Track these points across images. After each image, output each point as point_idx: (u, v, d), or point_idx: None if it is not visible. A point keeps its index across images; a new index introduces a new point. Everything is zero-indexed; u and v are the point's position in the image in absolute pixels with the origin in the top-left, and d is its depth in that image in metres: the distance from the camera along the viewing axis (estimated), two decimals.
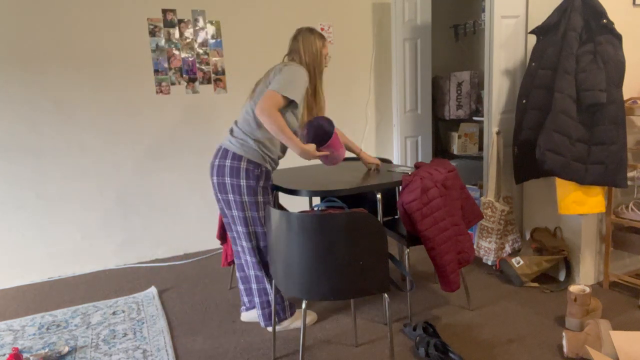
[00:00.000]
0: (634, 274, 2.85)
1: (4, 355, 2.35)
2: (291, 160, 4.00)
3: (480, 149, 4.28)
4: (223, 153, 2.28)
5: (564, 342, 2.11)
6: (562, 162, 2.45)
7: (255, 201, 2.27)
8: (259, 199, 2.28)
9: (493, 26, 2.86)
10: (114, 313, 2.76)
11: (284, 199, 3.97)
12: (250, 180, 2.24)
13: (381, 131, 4.34)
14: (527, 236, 3.09)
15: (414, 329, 2.31)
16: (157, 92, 3.51)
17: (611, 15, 2.48)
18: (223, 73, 3.68)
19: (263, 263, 2.38)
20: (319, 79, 2.38)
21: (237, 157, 2.24)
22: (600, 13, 2.40)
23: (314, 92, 2.38)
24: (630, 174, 2.68)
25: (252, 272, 2.40)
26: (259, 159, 2.26)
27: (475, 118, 4.08)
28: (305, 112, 2.39)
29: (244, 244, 2.35)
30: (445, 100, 4.16)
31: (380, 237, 1.83)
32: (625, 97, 2.67)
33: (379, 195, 2.38)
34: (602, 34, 2.41)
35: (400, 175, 2.43)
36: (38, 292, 3.14)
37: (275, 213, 1.88)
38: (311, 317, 2.58)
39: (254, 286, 2.41)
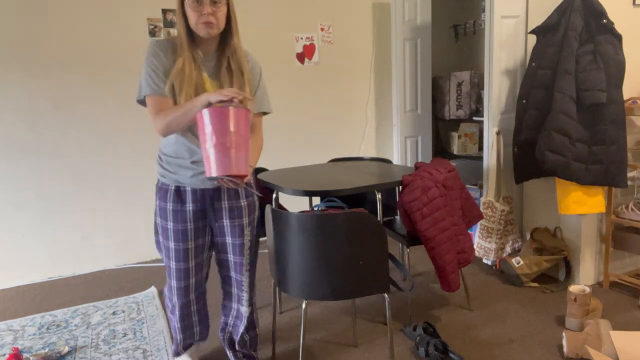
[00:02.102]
0: (634, 274, 2.85)
1: (4, 355, 2.34)
2: (291, 160, 4.00)
3: (480, 149, 4.28)
4: None
5: (564, 342, 2.11)
6: (562, 162, 2.45)
7: (158, 223, 1.92)
8: (158, 221, 1.90)
9: (493, 26, 2.87)
10: (114, 313, 2.76)
11: (284, 199, 3.97)
12: (158, 201, 1.89)
13: (381, 131, 4.34)
14: (527, 236, 3.09)
15: (414, 329, 2.31)
16: None
17: (611, 15, 2.48)
18: None
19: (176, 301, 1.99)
20: (191, 50, 1.71)
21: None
22: (600, 13, 2.40)
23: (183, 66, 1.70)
24: (630, 174, 2.68)
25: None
26: (160, 174, 1.89)
27: (475, 118, 4.08)
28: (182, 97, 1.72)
29: None
30: (445, 100, 4.16)
31: (380, 237, 1.83)
32: (625, 97, 2.67)
33: (379, 195, 2.38)
34: (602, 34, 2.41)
35: (400, 175, 2.43)
36: (38, 292, 3.13)
37: (275, 213, 1.88)
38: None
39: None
